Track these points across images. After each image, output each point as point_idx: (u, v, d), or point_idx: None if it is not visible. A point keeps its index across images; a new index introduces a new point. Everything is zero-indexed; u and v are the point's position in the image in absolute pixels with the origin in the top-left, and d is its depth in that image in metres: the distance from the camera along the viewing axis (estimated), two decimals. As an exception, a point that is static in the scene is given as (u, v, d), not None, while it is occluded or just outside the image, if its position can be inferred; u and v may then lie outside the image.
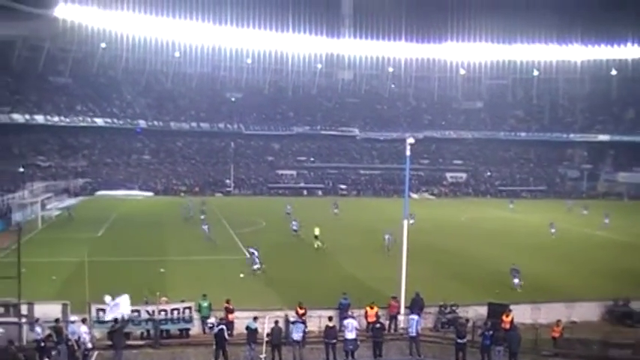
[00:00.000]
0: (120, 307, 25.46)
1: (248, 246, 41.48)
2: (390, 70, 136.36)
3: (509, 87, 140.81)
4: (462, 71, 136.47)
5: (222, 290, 30.47)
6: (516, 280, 36.09)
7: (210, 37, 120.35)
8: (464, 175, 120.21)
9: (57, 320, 24.69)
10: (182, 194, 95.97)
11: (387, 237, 47.23)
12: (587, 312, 31.45)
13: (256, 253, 39.87)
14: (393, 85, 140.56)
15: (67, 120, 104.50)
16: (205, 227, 53.14)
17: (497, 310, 28.02)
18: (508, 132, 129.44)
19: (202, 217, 60.49)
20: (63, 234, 53.81)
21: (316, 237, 49.43)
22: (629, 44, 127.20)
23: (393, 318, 28.78)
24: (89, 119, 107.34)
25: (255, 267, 38.86)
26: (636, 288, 35.01)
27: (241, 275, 38.63)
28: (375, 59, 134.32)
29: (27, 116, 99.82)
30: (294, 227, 54.91)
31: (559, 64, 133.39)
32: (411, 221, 54.67)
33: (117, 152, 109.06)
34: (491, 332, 25.10)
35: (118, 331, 24.44)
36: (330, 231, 54.44)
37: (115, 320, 25.14)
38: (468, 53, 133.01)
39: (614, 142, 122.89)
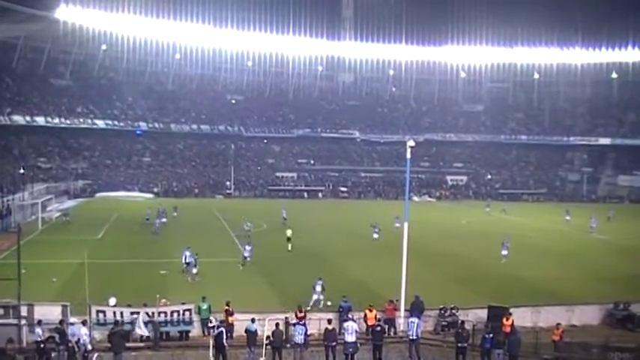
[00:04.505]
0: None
1: (186, 248, 40.22)
2: (391, 72, 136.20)
3: (510, 90, 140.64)
4: (463, 74, 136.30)
5: (222, 292, 30.48)
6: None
7: (210, 39, 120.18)
8: (464, 178, 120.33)
9: (61, 322, 24.70)
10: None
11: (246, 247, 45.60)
12: (588, 316, 31.51)
13: (189, 254, 39.26)
14: (393, 88, 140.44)
15: (68, 122, 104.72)
16: (157, 221, 58.09)
17: (497, 314, 27.98)
18: (508, 135, 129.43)
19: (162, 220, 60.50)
20: (63, 236, 53.83)
21: (289, 239, 49.28)
22: (629, 47, 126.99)
23: (390, 321, 28.74)
24: (90, 121, 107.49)
25: (194, 271, 38.02)
26: (636, 291, 35.04)
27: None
28: (376, 62, 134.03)
29: (28, 118, 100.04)
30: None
31: (559, 67, 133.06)
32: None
33: (117, 154, 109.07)
34: (491, 335, 25.09)
35: (117, 334, 24.41)
36: (330, 234, 54.53)
37: (115, 322, 25.15)
38: (469, 56, 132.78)
39: (614, 145, 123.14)
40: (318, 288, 32.46)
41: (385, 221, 58.08)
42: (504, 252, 46.01)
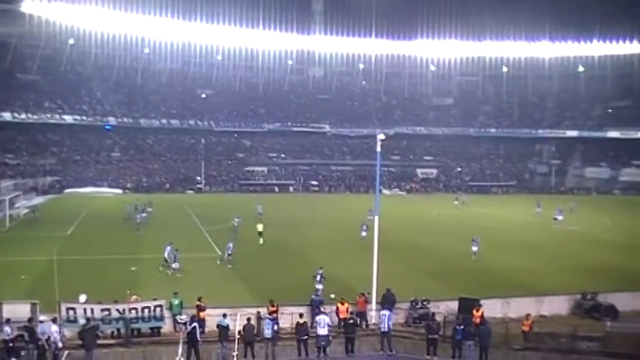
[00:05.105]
0: None
1: (168, 243, 39.86)
2: (361, 66, 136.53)
3: (479, 83, 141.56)
4: (433, 68, 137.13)
5: (193, 288, 30.41)
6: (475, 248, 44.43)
7: (179, 33, 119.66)
8: (434, 171, 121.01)
9: (30, 320, 24.41)
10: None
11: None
12: (556, 306, 31.99)
13: (169, 249, 39.03)
14: (363, 82, 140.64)
15: (35, 117, 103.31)
16: (138, 216, 58.03)
17: (468, 305, 28.29)
18: (478, 128, 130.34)
19: (143, 214, 60.45)
20: (31, 233, 53.10)
21: (260, 233, 49.41)
22: (594, 41, 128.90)
23: (362, 314, 28.89)
24: (58, 116, 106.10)
25: (174, 266, 38.03)
26: (603, 282, 35.67)
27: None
28: (346, 56, 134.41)
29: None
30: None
31: (528, 61, 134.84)
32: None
33: (86, 149, 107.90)
34: (462, 327, 25.34)
35: (89, 331, 24.21)
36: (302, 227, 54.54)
37: (87, 319, 24.93)
38: (438, 50, 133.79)
39: (582, 137, 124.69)
40: (318, 277, 32.85)
41: (359, 217, 57.77)
42: (474, 248, 44.96)
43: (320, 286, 32.26)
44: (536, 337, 27.19)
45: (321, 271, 33.32)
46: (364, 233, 50.23)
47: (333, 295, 29.67)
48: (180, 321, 26.14)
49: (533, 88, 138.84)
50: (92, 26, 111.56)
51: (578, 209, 74.19)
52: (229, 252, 41.20)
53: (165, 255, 38.74)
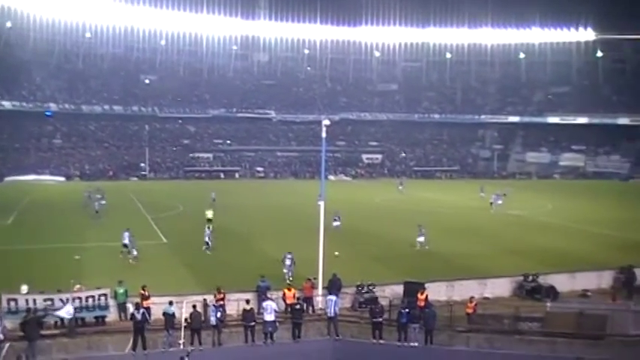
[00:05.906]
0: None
1: (125, 229, 39.31)
2: (306, 52, 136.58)
3: (423, 69, 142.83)
4: (377, 53, 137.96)
5: (139, 276, 30.14)
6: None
7: (122, 17, 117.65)
8: (379, 157, 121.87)
9: (-32, 312, 23.88)
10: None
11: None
12: (499, 288, 32.69)
13: (128, 235, 38.69)
14: (308, 67, 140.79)
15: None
16: (97, 204, 57.15)
17: (412, 289, 28.63)
18: (422, 114, 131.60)
19: (102, 202, 59.18)
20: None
21: (209, 220, 48.83)
22: (535, 28, 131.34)
23: (308, 300, 29.06)
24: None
25: (134, 254, 37.74)
26: (543, 263, 36.60)
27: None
28: (291, 41, 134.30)
29: None
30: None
31: (470, 48, 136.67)
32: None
33: (26, 136, 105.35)
34: (407, 310, 25.68)
35: (32, 321, 23.78)
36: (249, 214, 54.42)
37: (28, 310, 24.49)
38: (383, 36, 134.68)
39: (523, 123, 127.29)
40: (288, 262, 33.07)
41: (305, 202, 57.88)
42: (421, 239, 42.98)
43: (285, 270, 32.82)
44: (479, 319, 27.79)
45: (290, 256, 33.57)
46: (336, 223, 48.47)
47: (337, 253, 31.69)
48: (129, 314, 25.89)
49: (476, 75, 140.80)
50: (31, 9, 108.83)
51: (514, 194, 75.10)
52: (207, 239, 41.06)
53: (125, 241, 38.35)
